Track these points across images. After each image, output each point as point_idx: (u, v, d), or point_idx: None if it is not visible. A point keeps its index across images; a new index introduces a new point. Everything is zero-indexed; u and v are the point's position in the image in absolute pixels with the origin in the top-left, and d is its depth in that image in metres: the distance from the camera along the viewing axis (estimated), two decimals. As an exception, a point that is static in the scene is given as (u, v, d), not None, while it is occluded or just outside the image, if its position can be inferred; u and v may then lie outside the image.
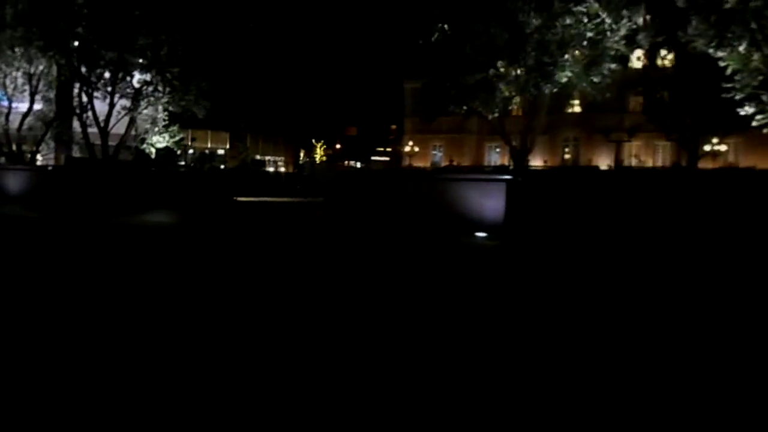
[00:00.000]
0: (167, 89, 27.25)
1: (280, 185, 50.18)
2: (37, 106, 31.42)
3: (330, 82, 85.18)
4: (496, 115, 25.37)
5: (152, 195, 23.75)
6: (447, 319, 7.28)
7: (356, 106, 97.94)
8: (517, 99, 24.83)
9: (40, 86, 30.27)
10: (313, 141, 79.93)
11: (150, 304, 7.76)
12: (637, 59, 63.49)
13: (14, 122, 31.56)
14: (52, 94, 31.99)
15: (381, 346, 6.04)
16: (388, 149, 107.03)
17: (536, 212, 14.70)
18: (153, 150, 30.22)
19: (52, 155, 36.98)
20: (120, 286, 8.91)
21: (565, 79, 21.63)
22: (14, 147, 30.99)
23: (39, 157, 34.40)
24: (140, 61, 26.36)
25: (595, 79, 21.81)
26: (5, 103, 31.57)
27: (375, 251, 13.74)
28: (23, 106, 31.41)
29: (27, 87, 30.48)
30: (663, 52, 61.93)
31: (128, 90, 27.44)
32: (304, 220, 20.65)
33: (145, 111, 28.63)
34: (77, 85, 27.77)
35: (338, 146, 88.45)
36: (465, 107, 25.24)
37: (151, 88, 27.29)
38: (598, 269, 11.68)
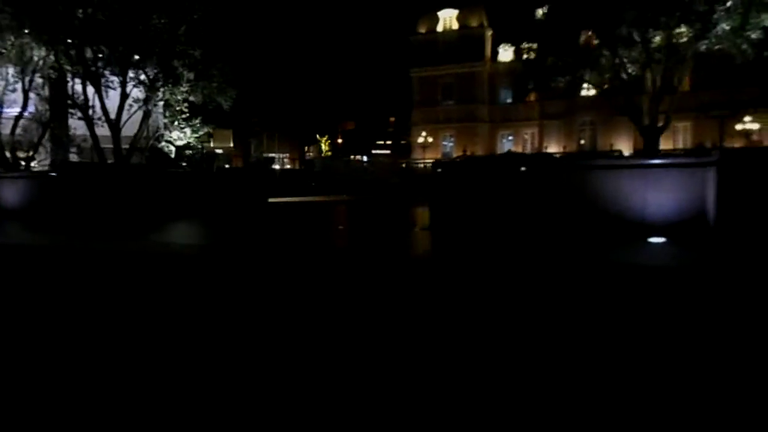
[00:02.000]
0: (188, 75, 22.52)
1: (296, 183, 45.69)
2: (30, 109, 26.51)
3: (326, 76, 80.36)
4: (605, 87, 20.20)
5: (173, 202, 19.29)
6: None
7: (352, 100, 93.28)
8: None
9: (35, 81, 25.26)
10: (317, 136, 75.18)
11: None
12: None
13: (5, 127, 26.66)
14: (47, 92, 27.05)
15: None
16: (388, 142, 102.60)
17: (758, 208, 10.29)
18: (173, 148, 25.31)
19: (48, 160, 32.01)
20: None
21: (721, 33, 16.66)
22: (8, 153, 26.11)
23: (34, 163, 29.50)
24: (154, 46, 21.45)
25: (753, 35, 16.83)
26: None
27: (507, 274, 9.20)
28: (12, 112, 26.47)
29: (19, 84, 25.57)
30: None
31: (143, 77, 22.57)
32: (386, 230, 16.27)
33: (161, 103, 23.87)
34: (80, 76, 22.74)
35: (339, 140, 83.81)
36: (571, 78, 20.11)
37: (166, 76, 22.34)
38: None
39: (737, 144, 51.75)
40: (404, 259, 11.06)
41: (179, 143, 24.94)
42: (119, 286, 8.79)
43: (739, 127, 49.44)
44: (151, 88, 22.77)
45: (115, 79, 22.46)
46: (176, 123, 24.72)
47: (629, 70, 18.81)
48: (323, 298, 7.65)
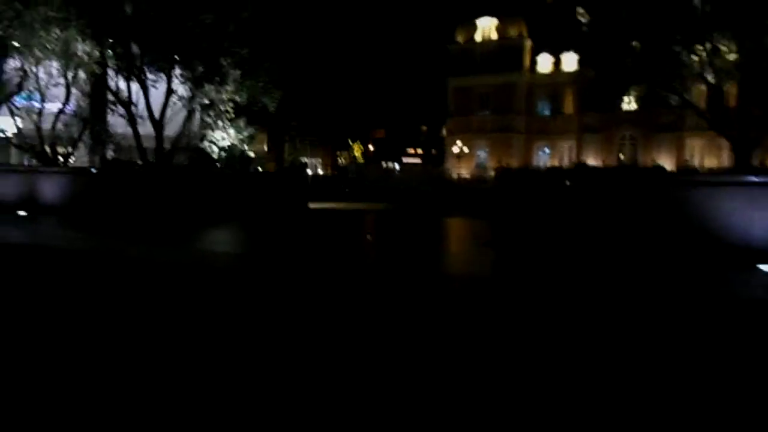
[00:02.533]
0: (234, 74, 21.59)
1: (330, 188, 44.75)
2: (71, 105, 25.87)
3: (359, 82, 79.63)
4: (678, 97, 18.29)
5: (215, 205, 18.34)
6: None
7: (384, 106, 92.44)
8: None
9: (78, 76, 24.56)
10: (350, 141, 74.11)
11: None
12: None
13: (45, 121, 26.07)
14: (88, 88, 26.40)
15: None
16: (419, 150, 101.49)
17: None
18: (215, 150, 24.28)
19: (86, 157, 31.41)
20: None
21: None
22: (47, 148, 25.49)
23: (72, 159, 28.90)
24: (201, 43, 20.53)
25: None
26: (37, 104, 26.09)
27: (610, 309, 7.93)
28: (54, 107, 25.86)
29: (62, 79, 24.95)
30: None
31: (189, 75, 21.69)
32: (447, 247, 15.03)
33: (205, 101, 22.93)
34: (125, 72, 21.94)
35: (371, 147, 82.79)
36: (652, 86, 18.52)
37: (212, 74, 21.40)
38: None
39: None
40: (481, 284, 9.79)
41: (223, 144, 23.90)
42: (152, 308, 7.71)
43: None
44: (196, 85, 21.90)
45: (158, 76, 21.61)
46: (220, 123, 23.74)
47: (718, 79, 17.17)
48: (413, 340, 6.42)
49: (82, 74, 24.95)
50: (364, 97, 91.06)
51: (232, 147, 22.87)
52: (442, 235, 18.70)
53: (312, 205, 26.72)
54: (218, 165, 24.59)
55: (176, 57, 21.31)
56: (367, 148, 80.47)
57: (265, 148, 58.66)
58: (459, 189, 49.46)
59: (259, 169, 55.72)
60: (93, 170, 22.33)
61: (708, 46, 16.19)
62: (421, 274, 9.77)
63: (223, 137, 23.79)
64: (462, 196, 44.95)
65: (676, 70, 17.04)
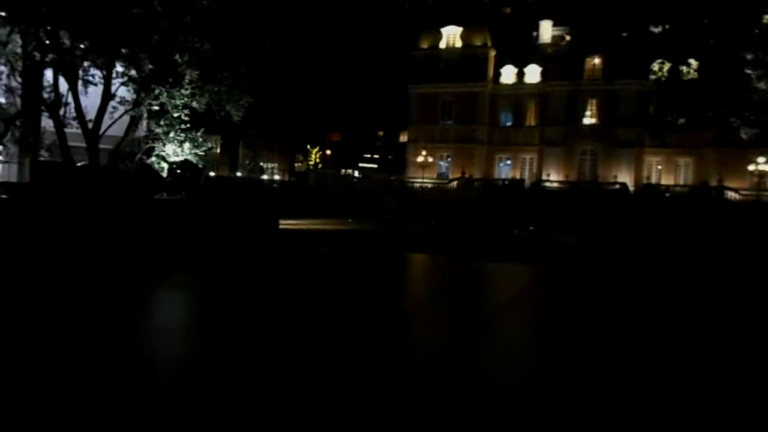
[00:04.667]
0: (192, 75, 17.19)
1: (291, 199, 40.43)
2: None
3: (316, 85, 75.25)
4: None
5: (157, 244, 14.04)
6: None
7: (340, 110, 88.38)
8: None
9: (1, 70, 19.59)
10: (308, 146, 69.54)
11: None
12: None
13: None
14: (17, 83, 21.36)
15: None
16: (376, 155, 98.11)
17: None
18: (164, 166, 19.76)
19: (15, 161, 26.07)
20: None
21: None
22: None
23: (-4, 164, 23.67)
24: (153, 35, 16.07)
25: None
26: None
27: None
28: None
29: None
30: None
31: (134, 73, 17.15)
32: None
33: (155, 107, 18.22)
34: (54, 66, 17.22)
35: (328, 152, 78.59)
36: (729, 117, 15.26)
37: (164, 74, 16.87)
38: None
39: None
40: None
41: (174, 159, 19.09)
42: None
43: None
44: (143, 87, 17.32)
45: (97, 73, 17.07)
46: (172, 134, 19.01)
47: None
48: None
49: (2, 67, 19.95)
50: (322, 99, 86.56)
51: (185, 162, 18.23)
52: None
53: (288, 223, 22.63)
54: (166, 176, 19.96)
55: (118, 51, 16.73)
56: (324, 152, 76.19)
57: (218, 151, 53.65)
58: (426, 205, 46.19)
59: (212, 174, 50.63)
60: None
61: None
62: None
63: (175, 152, 19.01)
64: (434, 215, 41.77)
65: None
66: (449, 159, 59.88)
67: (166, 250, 13.56)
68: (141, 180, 16.24)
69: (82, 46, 16.58)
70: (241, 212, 18.11)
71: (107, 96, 17.21)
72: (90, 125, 17.29)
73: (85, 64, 16.97)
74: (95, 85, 17.23)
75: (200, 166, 19.43)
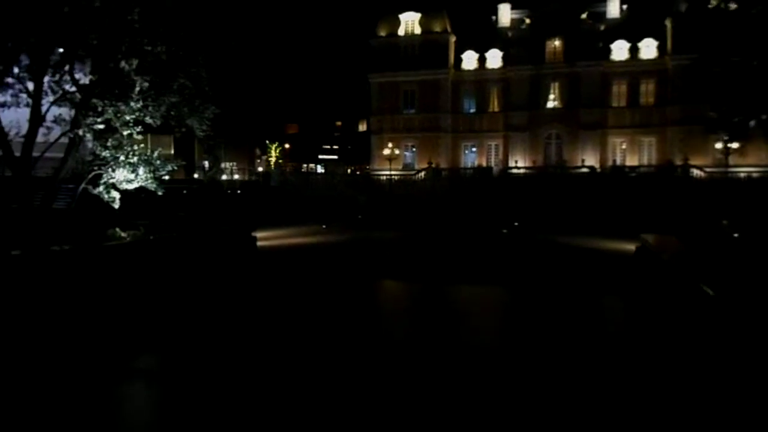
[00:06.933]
0: (142, 84, 13.62)
1: (254, 203, 37.02)
2: None
3: (272, 76, 71.00)
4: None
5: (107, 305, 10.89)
6: None
7: (296, 101, 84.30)
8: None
9: None
10: (267, 142, 65.35)
11: None
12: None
13: None
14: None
15: None
16: (335, 147, 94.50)
17: None
18: (115, 196, 15.37)
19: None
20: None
21: None
22: None
23: None
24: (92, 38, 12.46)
25: None
26: None
27: None
28: None
29: None
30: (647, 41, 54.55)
31: (69, 87, 13.52)
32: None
33: (99, 125, 14.35)
34: None
35: (286, 145, 74.56)
36: None
37: (107, 85, 13.25)
38: None
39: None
40: None
41: (127, 187, 15.27)
42: None
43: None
44: (82, 102, 13.65)
45: (22, 87, 13.39)
46: (123, 158, 15.17)
47: None
48: None
49: None
50: (278, 91, 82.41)
51: (143, 191, 14.69)
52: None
53: (266, 241, 19.53)
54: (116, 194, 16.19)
55: (47, 59, 13.08)
56: (283, 146, 72.19)
57: (172, 152, 49.19)
58: (396, 199, 43.56)
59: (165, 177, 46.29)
60: None
61: None
62: None
63: (127, 179, 15.14)
64: (407, 213, 39.26)
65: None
66: (414, 149, 57.35)
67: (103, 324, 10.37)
68: (84, 216, 12.88)
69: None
70: (213, 242, 14.91)
71: (37, 117, 13.49)
72: (19, 150, 13.65)
73: (8, 79, 13.14)
74: (18, 106, 13.52)
75: (159, 193, 15.98)
